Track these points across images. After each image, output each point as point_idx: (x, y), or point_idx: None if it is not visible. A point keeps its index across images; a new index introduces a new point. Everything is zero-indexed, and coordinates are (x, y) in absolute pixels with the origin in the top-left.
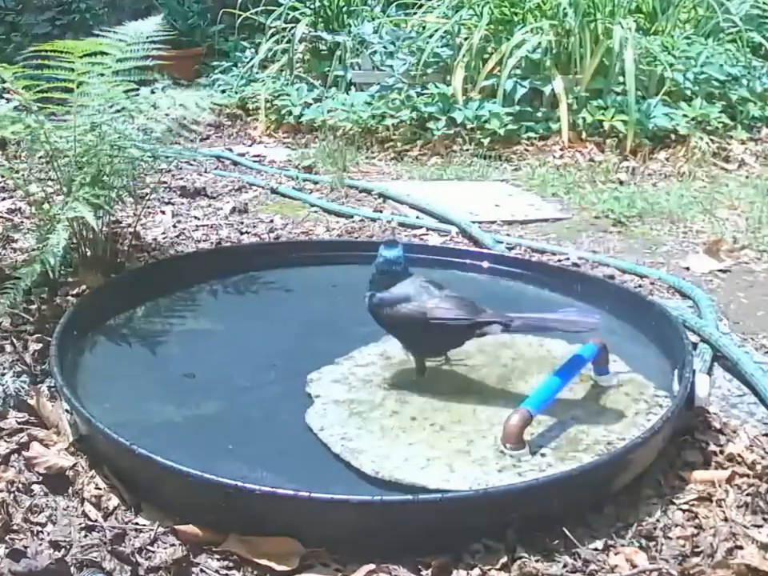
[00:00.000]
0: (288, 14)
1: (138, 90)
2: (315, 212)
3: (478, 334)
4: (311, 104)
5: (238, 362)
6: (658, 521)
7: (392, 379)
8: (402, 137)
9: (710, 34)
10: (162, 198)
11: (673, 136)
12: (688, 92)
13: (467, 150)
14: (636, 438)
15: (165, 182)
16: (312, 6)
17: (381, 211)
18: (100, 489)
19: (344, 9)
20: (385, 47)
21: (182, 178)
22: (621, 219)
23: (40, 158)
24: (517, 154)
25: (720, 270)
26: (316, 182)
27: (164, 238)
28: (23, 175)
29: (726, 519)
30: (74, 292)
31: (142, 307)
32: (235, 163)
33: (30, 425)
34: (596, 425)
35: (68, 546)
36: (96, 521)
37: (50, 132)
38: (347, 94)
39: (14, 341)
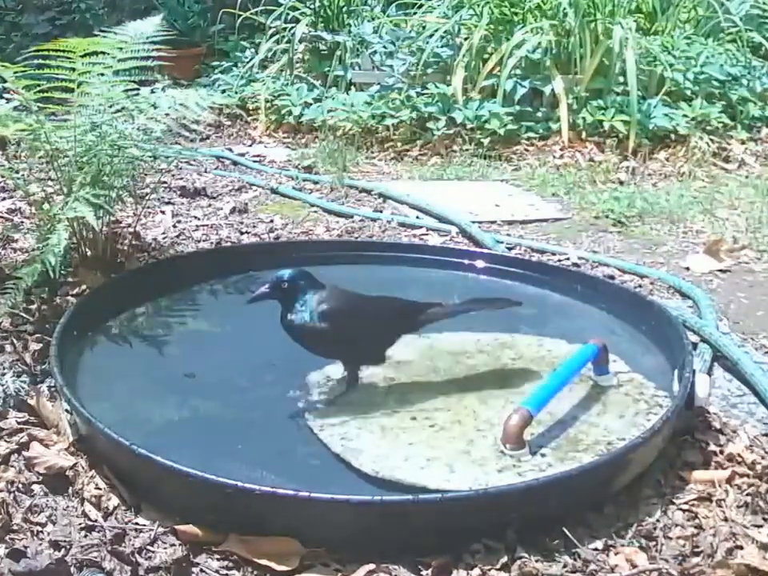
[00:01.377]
0: (288, 14)
1: (138, 89)
2: (315, 212)
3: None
4: (311, 104)
5: (238, 362)
6: (657, 521)
7: (392, 379)
8: (402, 137)
9: (710, 33)
10: (162, 197)
11: (673, 136)
12: (688, 92)
13: (467, 150)
14: (636, 438)
15: (165, 182)
16: (312, 6)
17: (381, 211)
18: (100, 489)
19: (344, 9)
20: (385, 47)
21: (181, 178)
22: (621, 219)
23: (40, 158)
24: (517, 154)
25: (720, 270)
26: (316, 182)
27: (164, 238)
28: (23, 175)
29: (725, 519)
30: (74, 292)
31: (142, 307)
32: (235, 163)
33: (30, 425)
34: (596, 425)
35: (68, 546)
36: (96, 521)
37: (50, 132)
38: (347, 93)
39: (14, 341)
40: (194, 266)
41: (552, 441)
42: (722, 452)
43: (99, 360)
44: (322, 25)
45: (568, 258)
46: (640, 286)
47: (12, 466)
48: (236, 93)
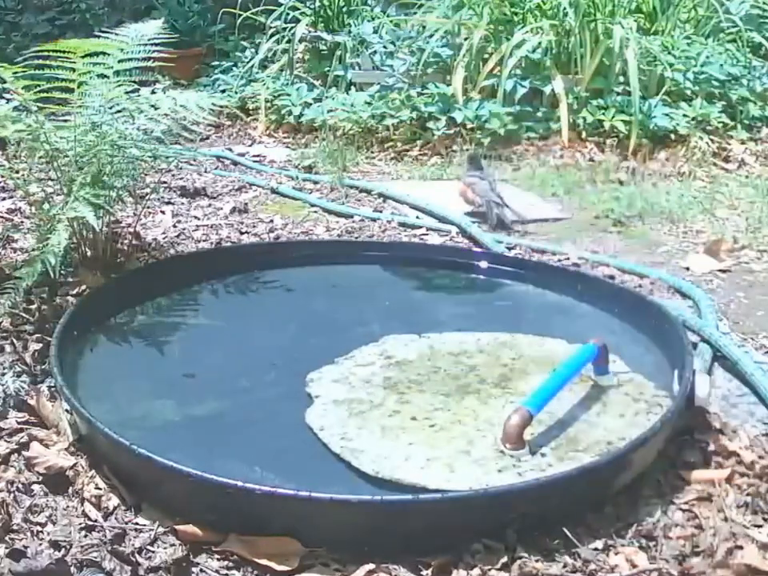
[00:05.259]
0: (288, 14)
1: (138, 89)
2: (315, 212)
3: None
4: (311, 104)
5: (238, 362)
6: (658, 521)
7: (392, 379)
8: (402, 137)
9: (710, 34)
10: (162, 197)
11: (673, 136)
12: (688, 92)
13: (467, 149)
14: (636, 438)
15: (165, 182)
16: (312, 6)
17: (381, 211)
18: (100, 489)
19: (344, 9)
20: (385, 47)
21: (181, 178)
22: (621, 219)
23: (40, 158)
24: (517, 153)
25: (720, 270)
26: (316, 182)
27: (164, 238)
28: (23, 175)
29: (726, 519)
30: (74, 292)
31: (142, 307)
32: (235, 163)
33: (30, 425)
34: (596, 425)
35: (68, 546)
36: (96, 521)
37: (50, 132)
38: (347, 93)
39: (14, 341)
40: (194, 266)
41: (552, 441)
42: (721, 452)
43: (99, 360)
44: (322, 25)
45: (568, 258)
46: (640, 286)
47: (12, 466)
48: (236, 93)
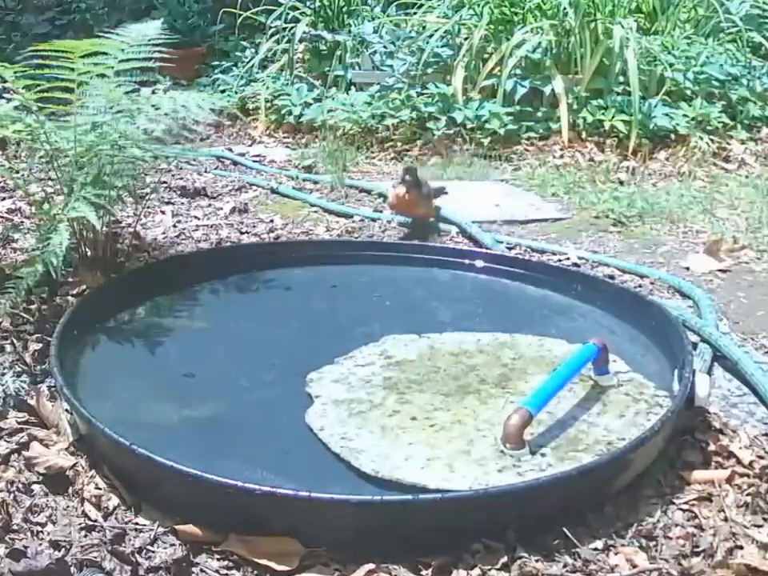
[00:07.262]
0: (288, 14)
1: (138, 89)
2: (315, 212)
3: None
4: (311, 104)
5: (238, 362)
6: (658, 521)
7: (392, 379)
8: (402, 137)
9: (710, 34)
10: (162, 197)
11: (673, 136)
12: (688, 92)
13: (467, 149)
14: (636, 438)
15: (165, 182)
16: (312, 6)
17: (381, 211)
18: (100, 489)
19: (344, 9)
20: (385, 47)
21: (181, 178)
22: (621, 219)
23: (40, 158)
24: (517, 153)
25: (720, 270)
26: (316, 182)
27: (164, 238)
28: (23, 175)
29: (726, 519)
30: (74, 292)
31: (142, 307)
32: (235, 163)
33: (30, 425)
34: (596, 425)
35: (68, 546)
36: (96, 521)
37: (50, 132)
38: (347, 93)
39: (14, 341)
40: (194, 266)
41: (552, 441)
42: (721, 452)
43: (99, 360)
44: (322, 24)
45: (568, 258)
46: (640, 286)
47: (12, 466)
48: (236, 93)
